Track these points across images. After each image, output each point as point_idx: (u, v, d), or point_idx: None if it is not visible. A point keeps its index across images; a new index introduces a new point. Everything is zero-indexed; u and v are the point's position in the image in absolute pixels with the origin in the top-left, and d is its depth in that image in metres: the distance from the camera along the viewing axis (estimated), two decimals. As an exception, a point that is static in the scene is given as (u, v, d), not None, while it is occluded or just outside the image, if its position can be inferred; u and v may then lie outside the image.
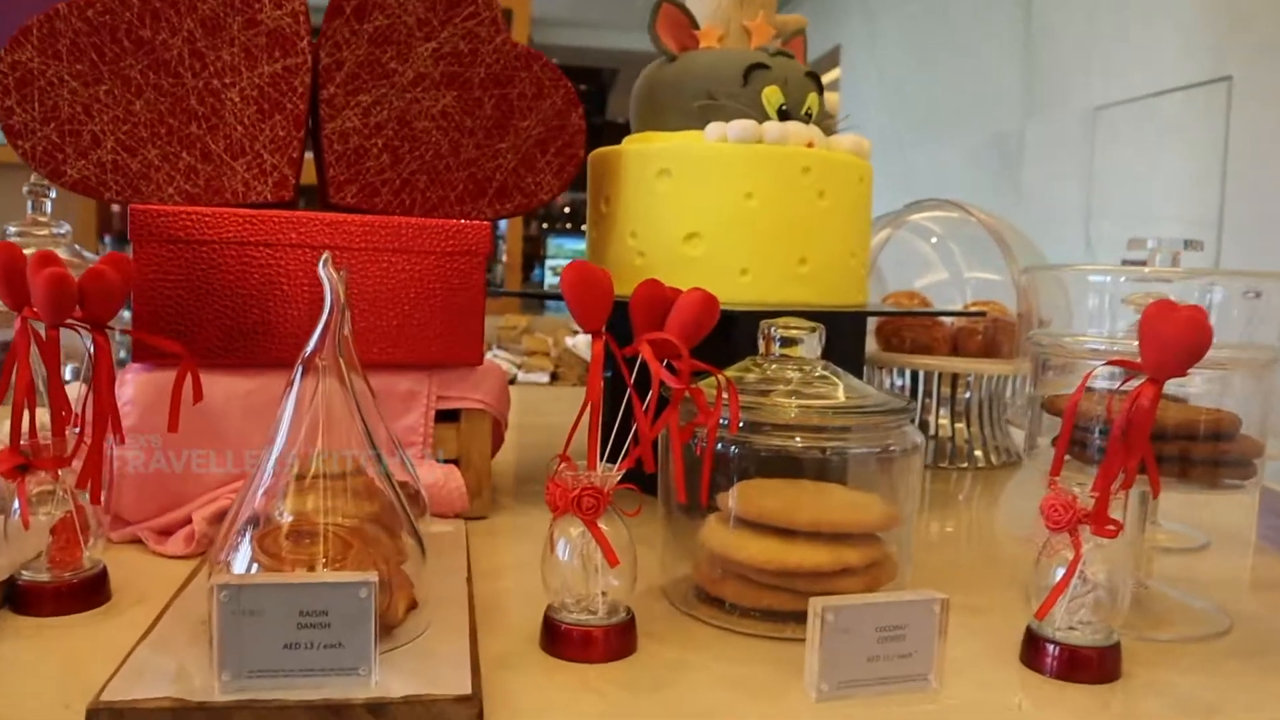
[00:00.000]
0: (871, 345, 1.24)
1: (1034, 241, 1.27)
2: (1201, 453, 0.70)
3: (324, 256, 0.58)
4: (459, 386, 0.88)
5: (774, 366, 0.71)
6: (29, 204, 0.92)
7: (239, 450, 0.82)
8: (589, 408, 0.61)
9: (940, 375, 1.20)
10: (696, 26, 1.02)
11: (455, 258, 0.85)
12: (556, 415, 1.61)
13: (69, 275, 0.59)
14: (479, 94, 0.89)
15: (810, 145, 0.96)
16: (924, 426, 1.21)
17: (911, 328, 1.21)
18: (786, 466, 0.68)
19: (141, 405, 0.78)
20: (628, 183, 0.97)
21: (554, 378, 2.55)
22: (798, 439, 0.67)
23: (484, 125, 0.90)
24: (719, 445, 0.67)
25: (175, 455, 0.79)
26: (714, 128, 0.94)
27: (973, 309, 1.23)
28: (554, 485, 0.61)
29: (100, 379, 0.63)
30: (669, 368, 0.61)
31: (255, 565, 0.59)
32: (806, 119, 0.99)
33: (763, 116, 0.96)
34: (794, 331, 0.71)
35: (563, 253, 5.99)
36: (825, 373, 0.70)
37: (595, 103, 8.27)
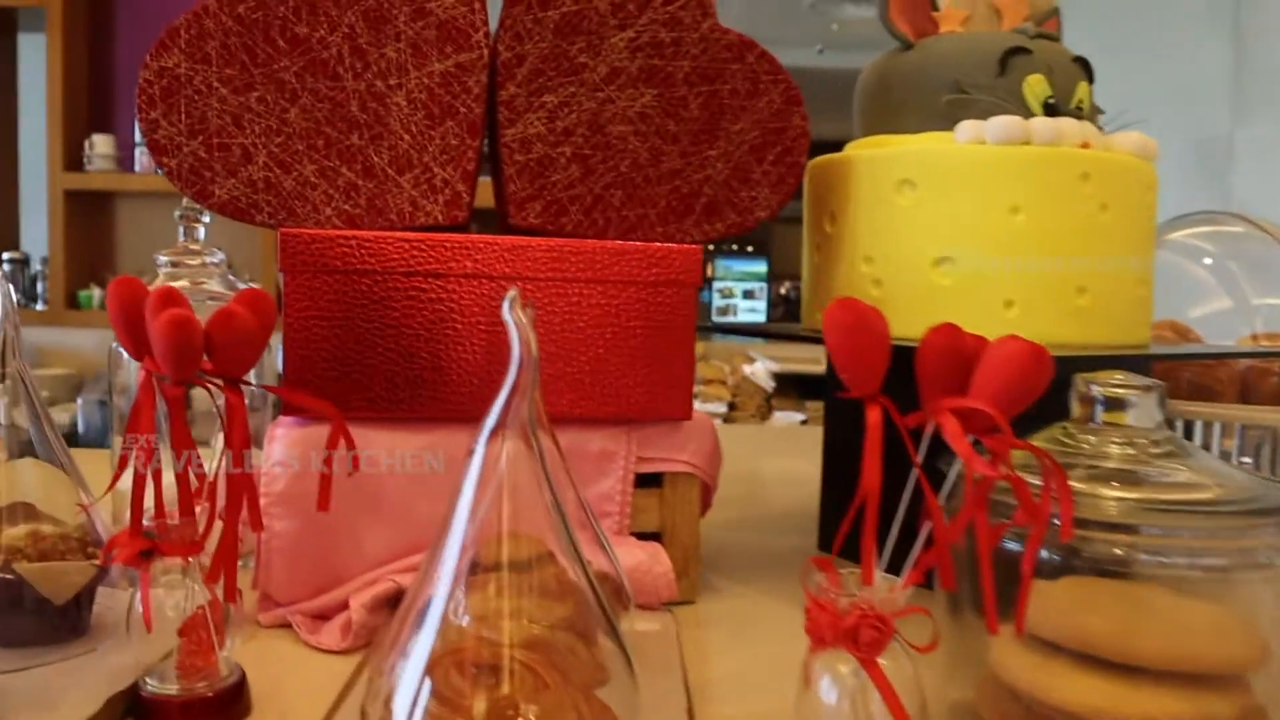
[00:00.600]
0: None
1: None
2: None
3: (510, 295, 0.44)
4: (662, 445, 0.72)
5: (1092, 439, 0.53)
6: (180, 230, 0.82)
7: (404, 521, 0.69)
8: (863, 500, 0.45)
9: (1223, 426, 0.99)
10: (936, 8, 0.85)
11: (660, 289, 0.70)
12: (741, 460, 1.44)
13: (191, 320, 0.46)
14: (683, 92, 0.74)
15: (1085, 145, 0.77)
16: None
17: (1189, 367, 1.00)
18: (1111, 571, 0.50)
19: (293, 468, 0.66)
20: (860, 196, 0.80)
21: (731, 408, 2.39)
22: (1119, 549, 0.49)
23: (690, 129, 0.74)
24: (1006, 540, 0.50)
25: (330, 527, 0.67)
26: (967, 127, 0.77)
27: (1266, 346, 1.01)
28: (818, 608, 0.44)
29: (234, 448, 0.50)
30: (976, 445, 0.45)
31: (425, 692, 0.45)
32: (1077, 114, 0.80)
33: (1025, 112, 0.78)
34: (1121, 390, 0.53)
35: (730, 275, 5.81)
36: (1169, 447, 0.52)
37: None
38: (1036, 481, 0.46)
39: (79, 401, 2.86)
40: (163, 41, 0.69)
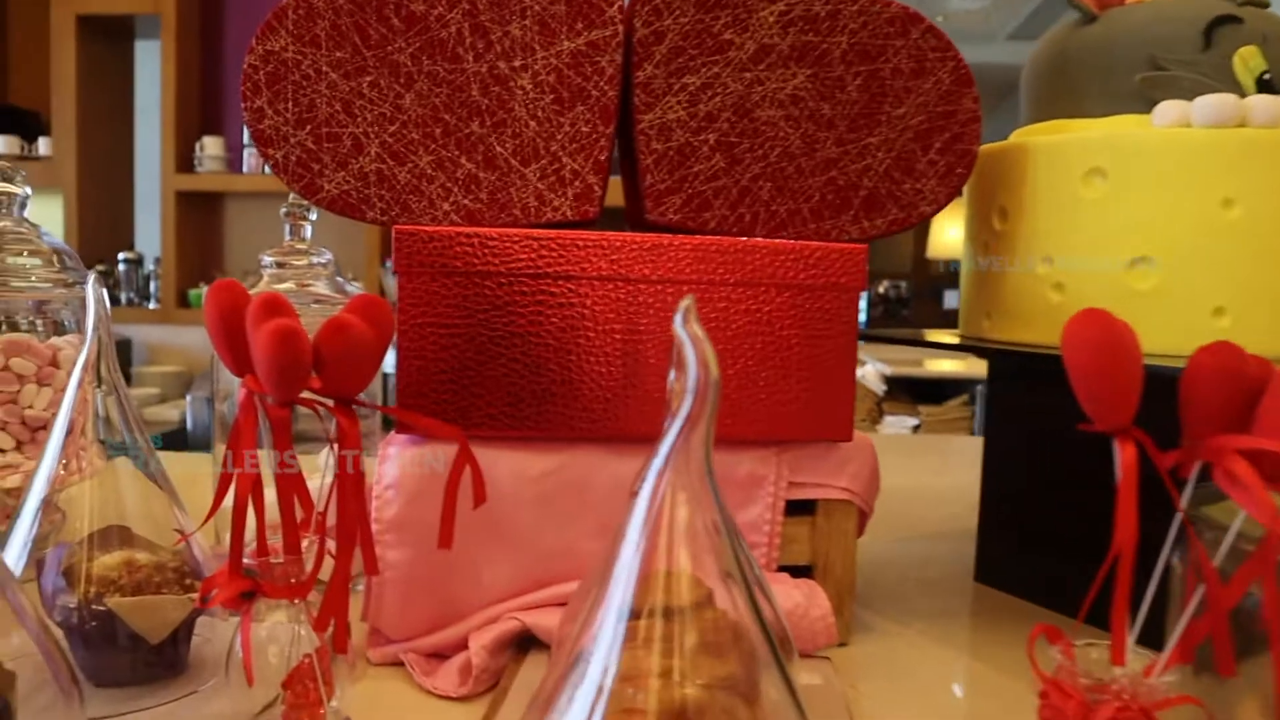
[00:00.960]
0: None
1: None
2: None
3: (684, 304, 0.36)
4: (817, 468, 0.64)
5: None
6: (286, 228, 0.76)
7: (529, 551, 0.62)
8: (1114, 558, 0.36)
9: None
10: (1123, -26, 0.75)
11: (819, 294, 0.62)
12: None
13: (298, 332, 0.40)
14: (840, 71, 0.66)
15: (1308, 128, 0.67)
16: None
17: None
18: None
19: (407, 491, 0.59)
20: (1038, 189, 0.70)
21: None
22: None
23: (847, 114, 0.66)
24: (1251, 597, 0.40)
25: (448, 557, 0.60)
26: (1169, 108, 0.66)
27: None
28: (1059, 693, 0.36)
29: (345, 481, 0.43)
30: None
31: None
32: (1296, 92, 0.70)
33: (1235, 90, 0.68)
34: None
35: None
36: None
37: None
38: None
39: (188, 399, 2.89)
40: (269, 23, 0.63)
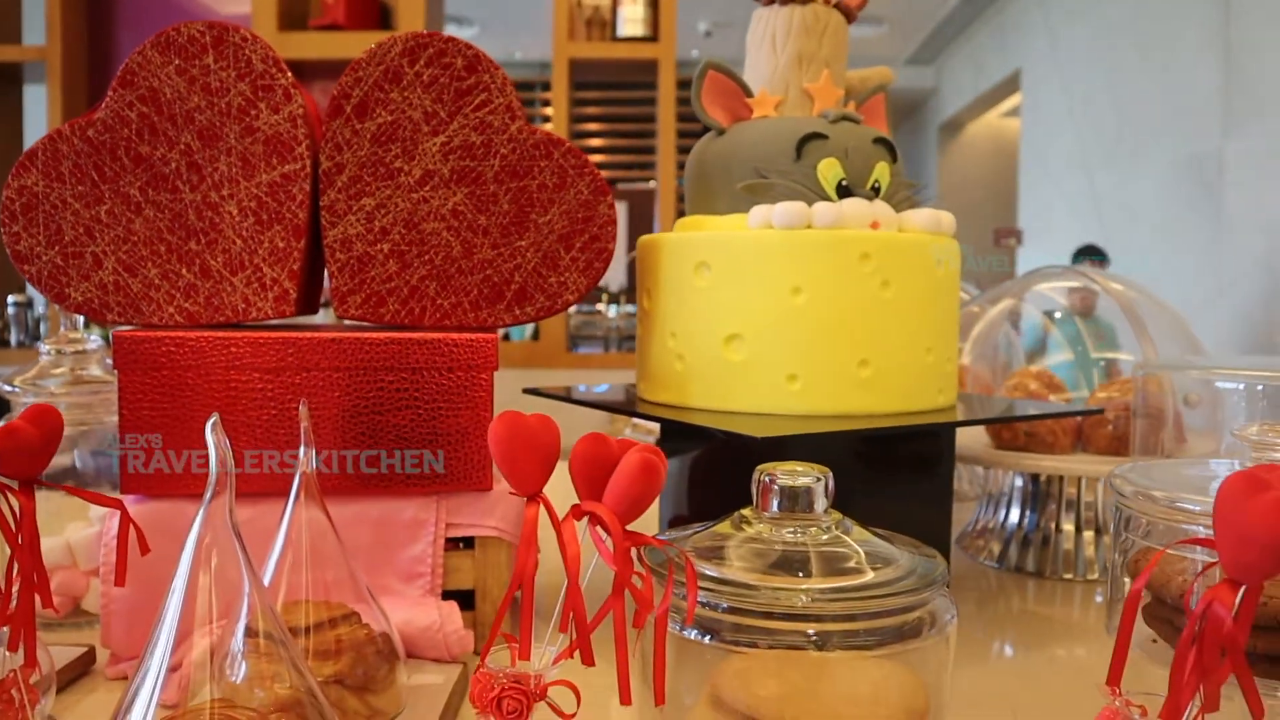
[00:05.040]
0: (983, 439, 1.09)
1: (1183, 318, 1.09)
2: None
3: (211, 421, 0.52)
4: (470, 512, 0.80)
5: (768, 527, 0.59)
6: (62, 318, 0.91)
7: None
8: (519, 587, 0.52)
9: (1064, 476, 1.04)
10: (750, 94, 0.92)
11: (456, 374, 0.78)
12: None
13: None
14: (494, 189, 0.82)
15: (874, 226, 0.84)
16: (1045, 537, 1.05)
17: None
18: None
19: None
20: (668, 276, 0.87)
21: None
22: (795, 633, 0.55)
23: (500, 223, 0.82)
24: (696, 632, 0.56)
25: (159, 586, 0.75)
26: (758, 212, 0.84)
27: (1100, 397, 1.06)
28: (476, 679, 0.52)
29: (25, 541, 0.59)
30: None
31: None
32: (873, 194, 0.87)
33: (821, 194, 0.85)
34: (800, 479, 0.59)
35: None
36: (836, 532, 0.59)
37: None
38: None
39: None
40: (23, 163, 0.78)
